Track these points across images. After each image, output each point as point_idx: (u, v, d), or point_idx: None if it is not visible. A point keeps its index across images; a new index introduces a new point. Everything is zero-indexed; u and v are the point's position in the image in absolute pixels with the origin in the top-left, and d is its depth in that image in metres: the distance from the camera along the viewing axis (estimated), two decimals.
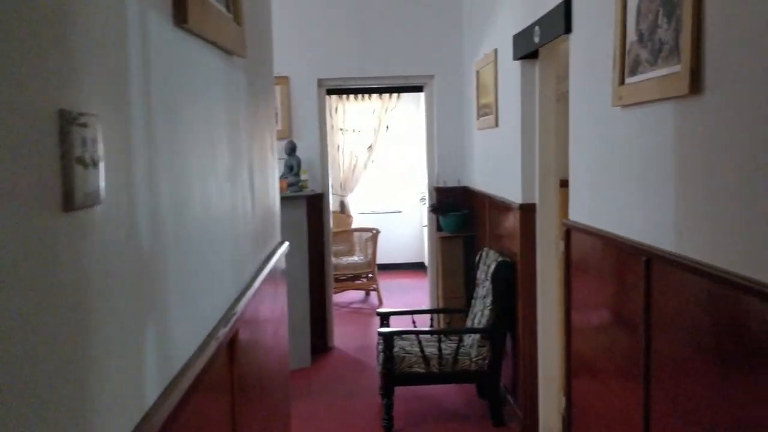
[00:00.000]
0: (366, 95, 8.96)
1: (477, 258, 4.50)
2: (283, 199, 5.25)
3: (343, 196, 9.16)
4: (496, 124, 4.34)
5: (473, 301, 4.37)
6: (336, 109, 9.03)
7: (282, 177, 5.36)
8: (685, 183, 1.88)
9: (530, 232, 3.79)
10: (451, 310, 4.85)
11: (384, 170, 9.31)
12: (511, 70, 3.94)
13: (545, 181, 3.71)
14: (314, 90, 5.59)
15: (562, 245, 3.73)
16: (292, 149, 5.35)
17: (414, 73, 5.63)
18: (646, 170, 2.16)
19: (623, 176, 2.35)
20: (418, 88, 5.88)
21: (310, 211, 5.43)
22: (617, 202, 2.40)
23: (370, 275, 7.57)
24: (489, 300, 3.98)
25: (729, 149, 1.65)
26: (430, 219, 5.69)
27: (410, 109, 8.96)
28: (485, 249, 4.45)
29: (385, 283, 8.18)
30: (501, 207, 4.28)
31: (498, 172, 4.44)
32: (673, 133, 1.96)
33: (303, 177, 5.32)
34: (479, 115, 4.87)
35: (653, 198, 2.10)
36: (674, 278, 1.94)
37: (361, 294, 7.85)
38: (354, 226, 8.99)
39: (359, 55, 5.58)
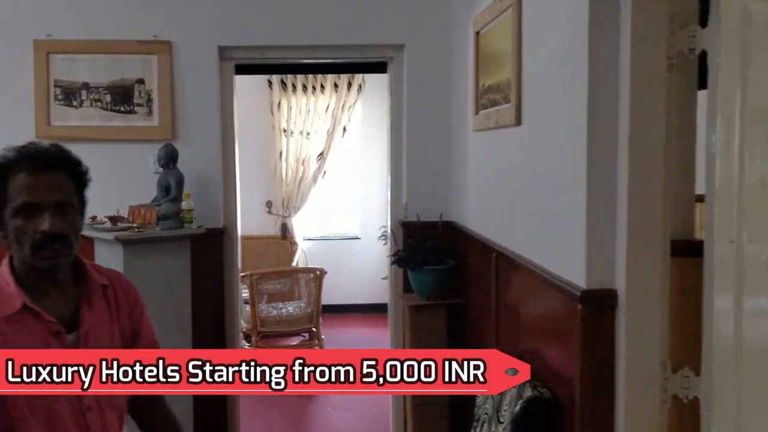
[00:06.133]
0: (318, 88, 6.97)
1: None
2: (143, 243, 3.01)
3: (285, 217, 7.08)
4: (518, 121, 2.33)
5: None
6: (279, 104, 7.03)
7: (153, 203, 3.28)
8: None
9: (604, 350, 1.77)
10: None
11: (339, 185, 7.27)
12: (553, 15, 1.93)
13: (640, 244, 1.69)
14: (214, 64, 3.50)
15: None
16: (169, 159, 3.25)
17: (373, 42, 3.57)
18: None
19: None
20: (380, 67, 3.81)
21: (200, 257, 3.35)
22: None
23: (312, 331, 5.49)
24: None
25: None
26: (393, 273, 3.61)
27: (376, 105, 6.76)
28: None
29: (336, 335, 6.08)
30: (530, 280, 2.25)
31: (522, 210, 2.41)
32: None
33: (185, 204, 3.23)
34: (480, 107, 2.85)
35: None
36: None
37: None
38: (299, 254, 6.94)
39: (285, 13, 3.51)
